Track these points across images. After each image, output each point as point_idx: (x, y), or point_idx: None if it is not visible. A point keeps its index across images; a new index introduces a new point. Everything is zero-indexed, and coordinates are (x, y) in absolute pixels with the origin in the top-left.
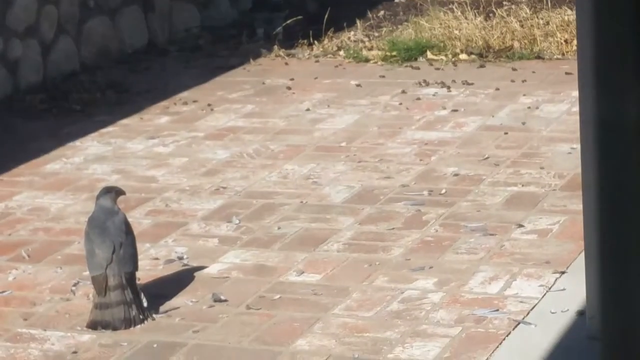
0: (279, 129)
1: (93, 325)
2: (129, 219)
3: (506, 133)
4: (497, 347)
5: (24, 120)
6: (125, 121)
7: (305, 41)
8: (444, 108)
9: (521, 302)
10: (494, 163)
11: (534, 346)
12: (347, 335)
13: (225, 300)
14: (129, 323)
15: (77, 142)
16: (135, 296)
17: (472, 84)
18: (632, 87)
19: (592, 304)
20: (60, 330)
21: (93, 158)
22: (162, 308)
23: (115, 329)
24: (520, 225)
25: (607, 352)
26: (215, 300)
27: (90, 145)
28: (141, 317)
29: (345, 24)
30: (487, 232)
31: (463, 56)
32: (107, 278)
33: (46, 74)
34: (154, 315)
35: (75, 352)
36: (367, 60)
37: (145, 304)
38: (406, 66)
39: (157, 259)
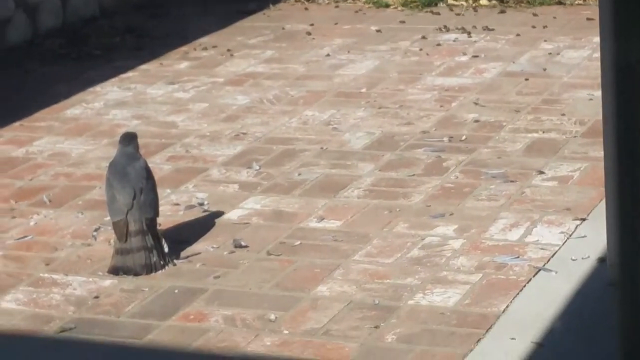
0: (299, 74)
1: (114, 271)
2: (150, 165)
3: (527, 79)
4: (518, 293)
5: (43, 65)
6: (145, 66)
7: None
8: (465, 54)
9: (542, 249)
10: (514, 109)
11: (555, 293)
12: (368, 282)
13: (246, 246)
14: (149, 268)
15: (97, 87)
16: (156, 242)
17: (492, 29)
18: None
19: (613, 251)
20: (81, 275)
21: (113, 103)
22: (183, 254)
23: (136, 274)
24: (541, 172)
25: (625, 299)
26: (235, 246)
27: (110, 91)
28: (162, 262)
29: None
30: (508, 179)
31: (484, 1)
32: (127, 224)
33: (65, 18)
34: (175, 261)
35: (97, 297)
36: (387, 5)
37: (166, 250)
38: (426, 12)
39: (177, 204)
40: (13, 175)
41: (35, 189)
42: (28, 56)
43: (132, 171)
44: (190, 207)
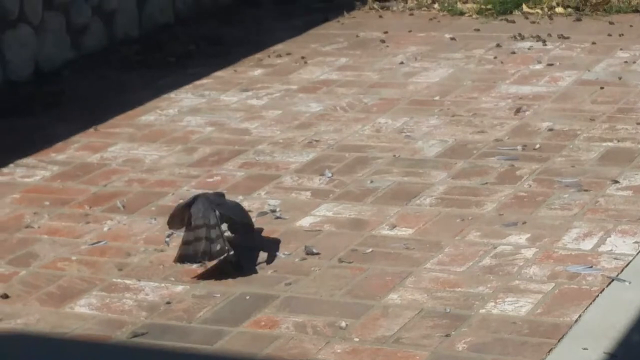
0: (373, 82)
1: (180, 260)
2: (222, 172)
3: (602, 88)
4: (591, 303)
5: (119, 71)
6: (219, 73)
7: None
8: (539, 62)
9: (615, 258)
10: (589, 118)
11: (628, 303)
12: (439, 290)
13: (317, 254)
14: (211, 256)
15: (172, 94)
16: (221, 234)
17: (568, 37)
18: None
19: None
20: (154, 281)
21: (187, 110)
22: (255, 260)
23: (201, 261)
24: (615, 181)
25: None
26: (307, 254)
27: (184, 97)
28: (226, 248)
29: None
30: (582, 188)
31: (559, 9)
32: (185, 210)
33: (141, 26)
34: (243, 265)
35: (169, 303)
36: (461, 13)
37: (234, 257)
38: (501, 19)
39: (250, 211)
40: (88, 181)
41: (110, 194)
42: (104, 63)
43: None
44: (263, 214)
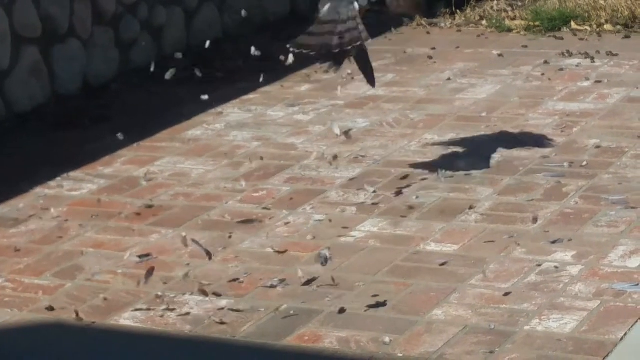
0: (419, 98)
1: (296, 46)
2: (268, 186)
3: None
4: (636, 322)
5: (166, 86)
6: (266, 88)
7: (448, 10)
8: (587, 79)
9: None
10: (637, 135)
11: None
12: (484, 306)
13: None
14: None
15: (219, 109)
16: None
17: (616, 55)
18: None
19: None
20: (198, 295)
21: (234, 125)
22: (298, 275)
23: (317, 52)
24: None
25: None
26: (322, 264)
27: (231, 112)
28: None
29: None
30: (629, 205)
31: (608, 27)
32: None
33: (189, 41)
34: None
35: (212, 317)
36: (509, 30)
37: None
38: (549, 36)
39: (294, 226)
40: (134, 195)
41: (155, 208)
42: (152, 78)
43: None
44: (307, 229)
